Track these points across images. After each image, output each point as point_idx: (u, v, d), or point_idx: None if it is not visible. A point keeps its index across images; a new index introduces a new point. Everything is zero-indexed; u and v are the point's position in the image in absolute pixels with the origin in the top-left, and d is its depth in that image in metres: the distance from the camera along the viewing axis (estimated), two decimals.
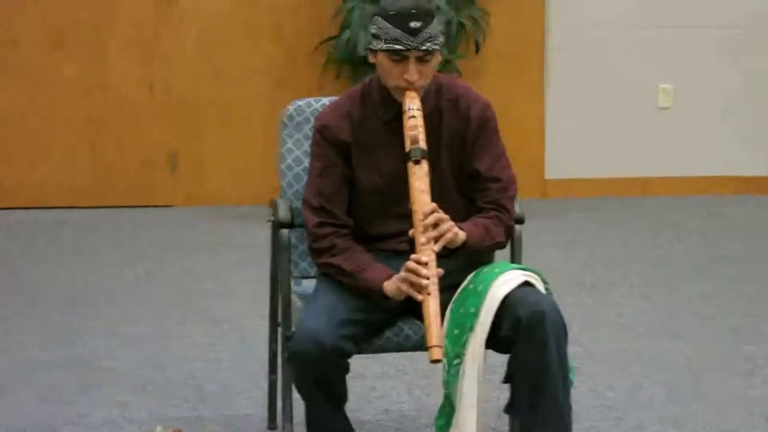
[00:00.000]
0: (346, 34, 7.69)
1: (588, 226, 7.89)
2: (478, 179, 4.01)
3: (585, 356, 5.31)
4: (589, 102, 8.42)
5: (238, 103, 8.18)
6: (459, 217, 3.95)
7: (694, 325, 5.88)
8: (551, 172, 8.48)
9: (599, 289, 6.51)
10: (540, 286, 3.89)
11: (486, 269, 3.89)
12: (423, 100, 3.96)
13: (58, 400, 4.90)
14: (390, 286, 3.80)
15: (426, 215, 3.77)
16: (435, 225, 3.78)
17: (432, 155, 3.95)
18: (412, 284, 3.72)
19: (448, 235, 3.79)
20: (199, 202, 8.07)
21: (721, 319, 5.94)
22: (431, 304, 3.68)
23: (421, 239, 3.75)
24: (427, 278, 3.70)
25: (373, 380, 5.05)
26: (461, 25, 7.81)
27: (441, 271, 3.74)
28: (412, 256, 3.75)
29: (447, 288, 3.85)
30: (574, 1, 8.34)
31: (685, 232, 7.76)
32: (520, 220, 4.12)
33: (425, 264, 3.72)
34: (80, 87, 8.19)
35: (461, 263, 3.92)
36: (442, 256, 3.85)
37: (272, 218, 4.18)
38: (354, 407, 4.26)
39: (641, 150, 8.49)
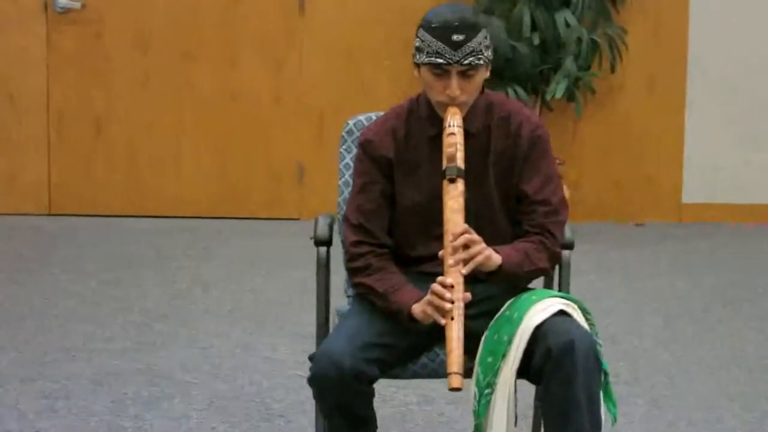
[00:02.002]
0: None
1: (719, 252, 7.57)
2: (526, 201, 3.85)
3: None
4: (730, 125, 8.11)
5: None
6: (505, 241, 3.81)
7: None
8: (688, 197, 8.17)
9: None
10: (578, 315, 3.71)
11: (524, 296, 3.73)
12: (472, 117, 3.83)
13: (124, 410, 4.86)
14: (418, 308, 3.66)
15: (456, 236, 3.62)
16: (465, 247, 3.62)
17: (479, 175, 3.83)
18: (436, 307, 3.57)
19: (479, 258, 3.63)
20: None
21: None
22: (454, 329, 3.53)
23: (449, 261, 3.61)
24: (452, 302, 3.55)
25: (442, 405, 4.89)
26: (594, 42, 7.58)
27: (468, 295, 3.59)
28: (438, 278, 3.61)
29: (485, 314, 3.73)
30: (718, 21, 8.04)
31: None
32: (569, 246, 3.95)
33: (451, 287, 3.57)
34: (211, 98, 8.19)
35: (501, 289, 3.77)
36: (480, 281, 3.75)
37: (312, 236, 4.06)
38: None
39: None
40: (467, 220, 3.71)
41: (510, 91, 7.54)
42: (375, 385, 3.68)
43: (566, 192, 7.62)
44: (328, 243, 4.03)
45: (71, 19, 8.13)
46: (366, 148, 3.90)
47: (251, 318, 6.13)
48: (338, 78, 8.09)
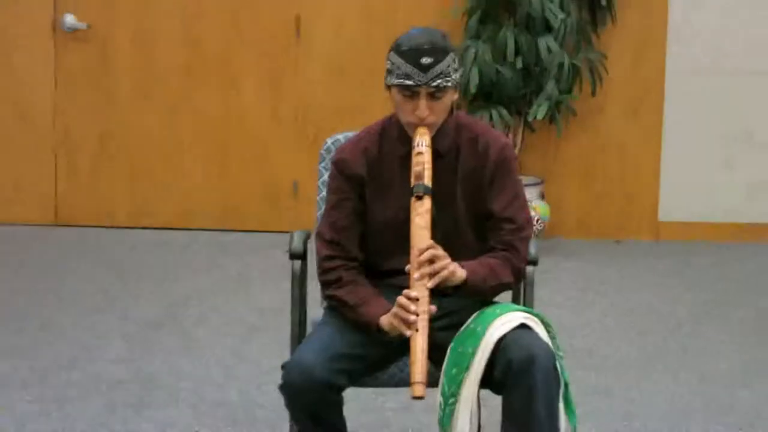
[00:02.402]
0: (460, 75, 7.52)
1: (693, 269, 7.53)
2: (492, 219, 3.85)
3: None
4: (705, 148, 8.10)
5: None
6: (472, 256, 3.80)
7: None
8: (665, 215, 8.14)
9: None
10: (540, 329, 3.68)
11: (488, 310, 3.73)
12: (442, 138, 3.83)
13: (115, 415, 4.88)
14: (385, 320, 3.65)
15: (421, 251, 3.62)
16: (431, 261, 3.61)
17: (448, 193, 3.83)
18: (402, 320, 3.56)
19: (444, 273, 3.62)
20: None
21: None
22: (418, 341, 3.53)
23: (415, 275, 3.61)
24: (416, 314, 3.53)
25: (420, 414, 4.86)
26: (575, 67, 7.56)
27: (433, 308, 3.59)
28: (404, 291, 3.59)
29: (452, 326, 3.75)
30: (695, 48, 8.02)
31: None
32: (533, 262, 3.94)
33: (416, 300, 3.56)
34: (211, 115, 8.18)
35: (468, 303, 3.76)
36: (446, 295, 3.75)
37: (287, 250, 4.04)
38: None
39: (757, 196, 8.11)
40: (435, 237, 3.70)
41: (494, 112, 7.51)
42: (357, 392, 3.66)
43: (547, 210, 7.65)
44: (302, 257, 4.01)
45: (78, 38, 8.13)
46: (339, 167, 3.89)
47: (244, 327, 6.10)
48: (333, 98, 8.06)
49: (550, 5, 7.44)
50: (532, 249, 3.93)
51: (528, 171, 7.92)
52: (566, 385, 3.78)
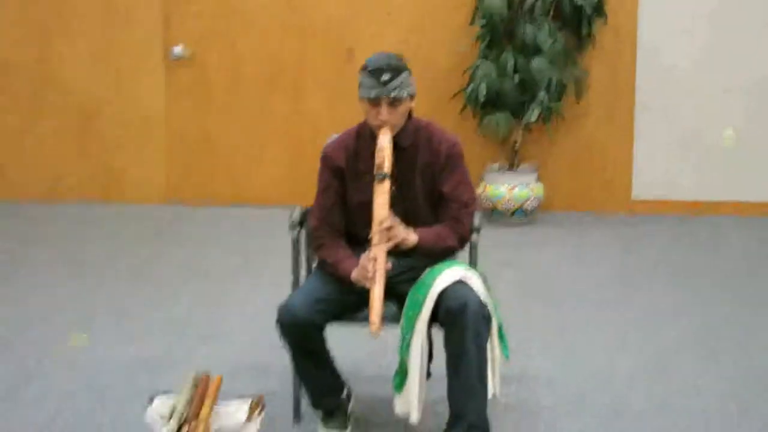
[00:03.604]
0: (471, 86, 7.60)
1: (658, 237, 7.50)
2: (443, 199, 3.91)
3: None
4: (667, 144, 8.08)
5: None
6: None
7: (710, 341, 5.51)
8: (637, 194, 8.13)
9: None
10: (477, 283, 3.74)
11: (437, 267, 3.81)
12: (404, 136, 3.91)
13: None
14: (354, 275, 3.73)
15: (381, 221, 3.69)
16: (388, 230, 3.69)
17: (408, 180, 3.92)
18: (363, 276, 3.64)
19: (397, 239, 3.71)
20: None
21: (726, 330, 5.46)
22: (375, 290, 3.62)
23: (375, 240, 3.68)
24: (374, 271, 3.62)
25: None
26: (561, 81, 7.58)
27: (389, 265, 3.68)
28: (364, 254, 3.68)
29: (410, 280, 3.83)
30: (659, 65, 7.94)
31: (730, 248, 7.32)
32: (477, 230, 3.97)
33: (374, 260, 3.64)
34: (285, 117, 8.29)
35: (425, 262, 3.82)
36: (405, 255, 3.81)
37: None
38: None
39: (704, 180, 8.07)
40: (398, 213, 3.80)
41: (499, 116, 7.56)
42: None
43: (542, 189, 7.67)
44: (300, 226, 4.09)
45: (183, 64, 8.26)
46: (325, 161, 3.98)
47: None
48: None
49: (539, 34, 7.45)
50: (477, 221, 3.98)
51: (526, 160, 7.95)
52: (500, 325, 3.85)
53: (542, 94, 7.52)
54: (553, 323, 5.40)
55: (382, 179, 3.76)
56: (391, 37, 8.09)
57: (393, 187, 3.87)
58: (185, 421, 3.59)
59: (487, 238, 7.19)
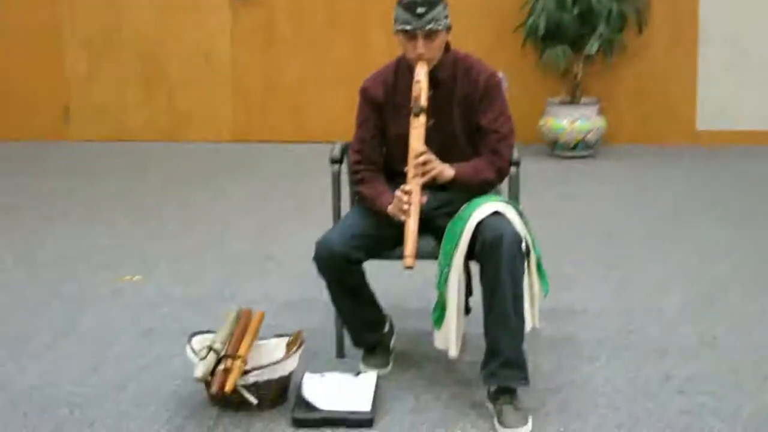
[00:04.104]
0: (531, 20, 7.42)
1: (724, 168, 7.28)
2: (481, 131, 3.79)
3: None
4: (729, 71, 7.82)
5: None
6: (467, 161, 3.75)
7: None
8: (702, 124, 7.89)
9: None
10: (513, 216, 3.62)
11: (474, 201, 3.69)
12: (441, 69, 3.79)
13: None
14: (390, 208, 3.63)
15: (417, 155, 3.59)
16: (423, 163, 3.58)
17: (446, 112, 3.81)
18: (399, 208, 3.54)
19: (433, 172, 3.62)
20: None
21: None
22: (410, 224, 3.52)
23: (410, 174, 3.58)
24: (408, 204, 3.52)
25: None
26: (621, 12, 7.36)
27: (424, 198, 3.59)
28: (400, 187, 3.58)
29: (450, 214, 3.73)
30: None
31: None
32: (516, 163, 3.83)
33: (408, 193, 3.54)
34: (347, 58, 8.19)
35: (463, 196, 3.70)
36: (442, 189, 3.71)
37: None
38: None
39: None
40: (435, 147, 3.68)
41: (558, 48, 7.38)
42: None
43: (603, 122, 7.48)
44: (339, 162, 4.00)
45: (249, 4, 8.17)
46: (363, 94, 3.88)
47: None
48: None
49: None
50: (516, 153, 3.85)
51: (588, 93, 7.75)
52: (538, 259, 3.73)
53: (602, 26, 7.31)
54: (606, 257, 5.26)
55: (418, 112, 3.65)
56: None
57: (431, 121, 3.76)
58: (224, 356, 3.53)
59: (548, 170, 7.16)
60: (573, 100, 7.59)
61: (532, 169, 7.19)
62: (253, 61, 8.25)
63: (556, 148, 7.55)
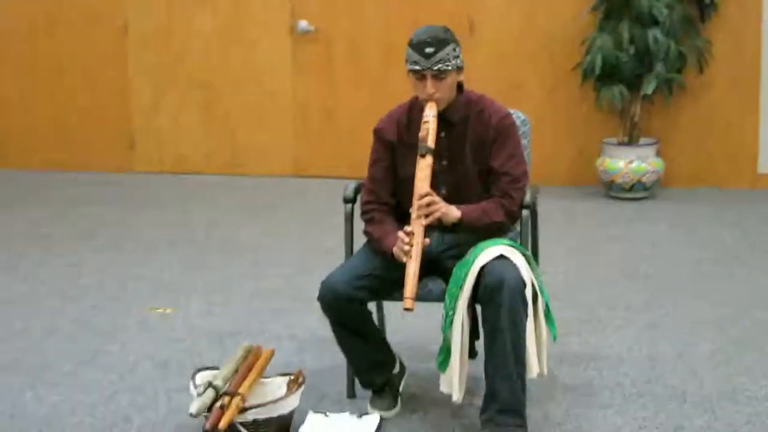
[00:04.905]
0: (588, 58, 7.34)
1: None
2: (493, 173, 3.76)
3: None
4: None
5: (518, 109, 7.92)
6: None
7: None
8: (763, 167, 7.72)
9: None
10: (519, 259, 3.57)
11: (481, 244, 3.64)
12: (454, 110, 3.77)
13: None
14: (394, 249, 3.59)
15: (421, 197, 3.57)
16: (428, 204, 3.56)
17: (459, 155, 3.79)
18: (401, 249, 3.52)
19: (437, 214, 3.59)
20: None
21: None
22: (411, 266, 3.50)
23: (414, 215, 3.56)
24: (410, 245, 3.49)
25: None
26: (680, 52, 7.25)
27: (427, 240, 3.55)
28: (403, 228, 3.55)
29: (458, 256, 3.70)
30: None
31: None
32: (527, 206, 3.78)
33: (410, 234, 3.51)
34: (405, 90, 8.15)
35: (471, 238, 3.67)
36: (451, 231, 3.67)
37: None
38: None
39: None
40: (449, 190, 3.67)
41: (615, 89, 7.29)
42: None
43: (661, 164, 7.36)
44: (352, 201, 3.99)
45: (308, 38, 8.23)
46: (377, 134, 3.88)
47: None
48: (495, 78, 7.86)
49: (656, 4, 7.14)
50: (528, 197, 3.80)
51: (646, 134, 7.63)
52: (546, 304, 3.67)
53: (659, 66, 7.20)
54: (640, 301, 5.15)
55: (425, 153, 3.64)
56: (512, 8, 7.87)
57: (444, 162, 3.74)
58: (223, 393, 3.52)
59: (600, 211, 7.06)
60: (630, 141, 7.48)
61: (584, 210, 7.14)
62: (312, 95, 8.28)
63: (612, 189, 7.45)
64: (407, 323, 4.54)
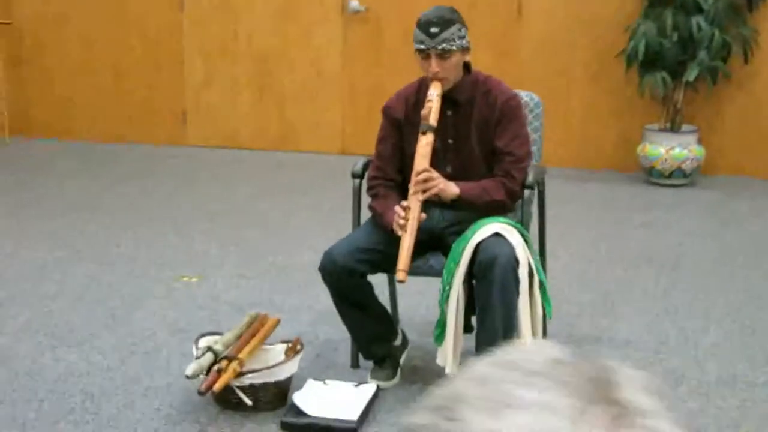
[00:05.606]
0: (631, 44, 7.31)
1: None
2: (497, 153, 3.80)
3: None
4: None
5: (563, 94, 7.93)
6: None
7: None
8: None
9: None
10: (515, 237, 3.61)
11: (480, 221, 3.69)
12: (460, 90, 3.83)
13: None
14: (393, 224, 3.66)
15: (418, 173, 3.62)
16: (425, 180, 3.61)
17: (464, 134, 3.84)
18: (397, 223, 3.59)
19: (434, 189, 3.64)
20: None
21: None
22: (405, 239, 3.56)
23: (411, 190, 3.62)
24: (406, 219, 3.55)
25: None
26: (725, 41, 7.18)
27: (423, 215, 3.60)
28: (400, 203, 3.61)
29: (456, 233, 3.74)
30: None
31: None
32: (530, 186, 3.82)
33: (407, 209, 3.57)
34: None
35: (472, 216, 3.72)
36: (451, 208, 3.73)
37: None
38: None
39: None
40: (454, 169, 3.73)
41: (658, 75, 7.25)
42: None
43: (702, 152, 7.31)
44: (360, 176, 4.06)
45: (359, 18, 8.29)
46: (385, 112, 3.95)
47: None
48: (544, 65, 7.88)
49: None
50: (530, 177, 3.84)
51: (689, 121, 7.59)
52: (542, 283, 3.71)
53: (702, 54, 7.15)
54: (659, 289, 5.15)
55: (425, 131, 3.69)
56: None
57: (450, 141, 3.79)
58: (223, 357, 3.62)
59: (639, 197, 7.04)
60: (672, 128, 7.44)
61: (623, 196, 7.12)
62: (362, 75, 8.35)
63: (652, 175, 7.42)
64: (419, 298, 4.61)
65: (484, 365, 0.75)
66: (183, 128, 8.74)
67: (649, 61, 7.30)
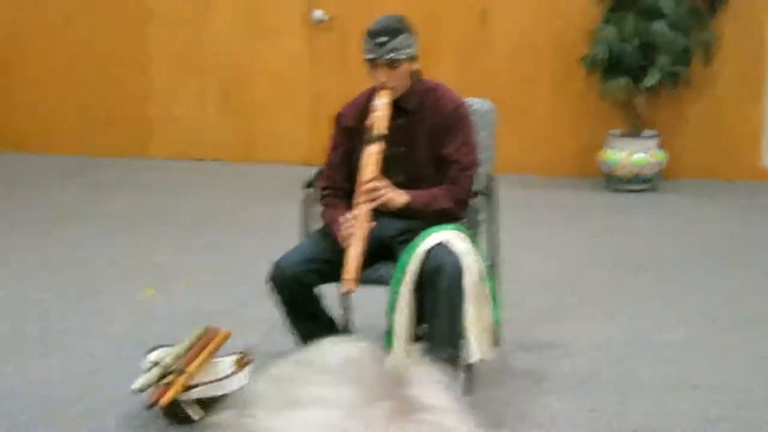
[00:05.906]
0: (593, 49, 7.32)
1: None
2: (445, 160, 3.78)
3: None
4: None
5: (527, 100, 7.93)
6: None
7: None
8: (767, 161, 7.65)
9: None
10: (463, 244, 3.59)
11: (428, 229, 3.67)
12: (410, 98, 3.82)
13: None
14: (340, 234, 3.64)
15: (365, 182, 3.60)
16: (372, 190, 3.59)
17: (414, 142, 3.84)
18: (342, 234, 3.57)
19: (381, 199, 3.63)
20: None
21: None
22: (351, 249, 3.53)
23: (358, 200, 3.59)
24: (352, 229, 3.53)
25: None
26: (685, 46, 7.20)
27: (372, 224, 3.59)
28: (350, 212, 3.60)
29: (405, 242, 3.70)
30: None
31: None
32: (476, 193, 3.83)
33: (354, 218, 3.55)
34: None
35: (421, 225, 3.70)
36: (399, 216, 3.72)
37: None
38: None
39: None
40: (404, 177, 3.71)
41: (620, 79, 7.26)
42: None
43: (663, 156, 7.31)
44: (311, 185, 4.04)
45: (324, 27, 8.26)
46: (338, 120, 3.96)
47: None
48: (508, 71, 7.88)
49: None
50: (477, 185, 3.83)
51: (651, 126, 7.59)
52: (491, 288, 3.69)
53: (663, 59, 7.15)
54: (629, 293, 5.13)
55: (372, 140, 3.66)
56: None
57: (401, 149, 3.77)
58: (172, 371, 3.58)
59: (600, 203, 7.02)
60: (634, 133, 7.44)
61: (584, 202, 7.12)
62: (329, 85, 8.32)
63: (613, 181, 7.42)
64: (376, 307, 4.58)
65: (285, 365, 0.84)
66: (148, 140, 8.68)
67: (611, 66, 7.30)
